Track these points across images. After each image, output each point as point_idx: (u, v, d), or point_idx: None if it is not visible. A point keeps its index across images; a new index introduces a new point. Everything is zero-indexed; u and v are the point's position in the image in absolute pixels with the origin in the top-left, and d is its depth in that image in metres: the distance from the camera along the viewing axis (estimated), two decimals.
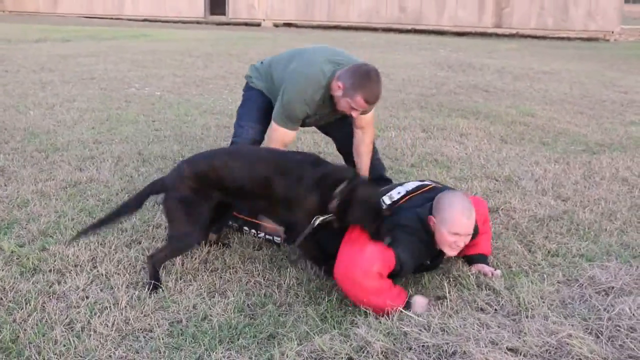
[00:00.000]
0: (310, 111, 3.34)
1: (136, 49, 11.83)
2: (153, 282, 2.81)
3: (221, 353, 2.32)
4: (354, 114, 3.26)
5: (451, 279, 2.99)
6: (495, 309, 2.69)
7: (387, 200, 3.14)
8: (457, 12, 19.73)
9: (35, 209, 3.67)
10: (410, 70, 9.90)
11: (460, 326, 2.48)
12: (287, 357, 2.27)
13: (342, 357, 2.28)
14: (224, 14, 24.75)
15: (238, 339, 2.44)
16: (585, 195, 4.22)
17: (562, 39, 18.04)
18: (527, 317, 2.58)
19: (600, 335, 2.45)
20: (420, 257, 2.89)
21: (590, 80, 9.44)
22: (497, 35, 18.69)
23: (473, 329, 2.46)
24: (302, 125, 3.59)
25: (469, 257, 3.15)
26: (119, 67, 9.34)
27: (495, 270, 3.09)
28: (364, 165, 3.66)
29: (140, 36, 15.61)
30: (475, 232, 3.01)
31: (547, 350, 2.33)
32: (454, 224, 2.81)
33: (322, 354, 2.31)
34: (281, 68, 3.47)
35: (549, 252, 3.35)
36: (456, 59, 11.38)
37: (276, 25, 23.76)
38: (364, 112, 3.37)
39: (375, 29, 20.77)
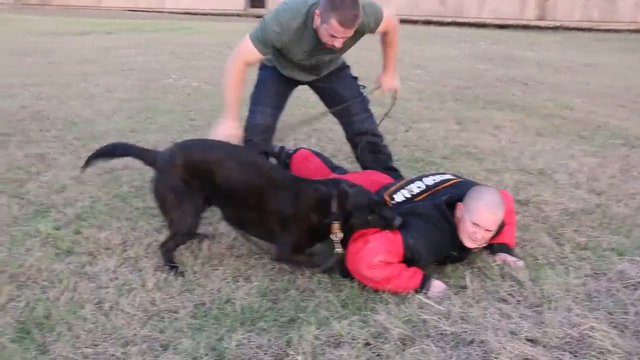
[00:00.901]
0: (285, 38, 3.20)
1: (176, 41, 12.01)
2: (169, 265, 2.90)
3: (242, 334, 2.37)
4: (336, 43, 3.12)
5: (475, 269, 2.99)
6: (518, 300, 2.68)
7: (406, 194, 3.14)
8: (499, 5, 19.41)
9: (72, 194, 3.79)
10: (448, 62, 9.81)
11: (481, 315, 2.49)
12: (305, 340, 2.31)
13: (360, 342, 2.31)
14: (263, 6, 24.89)
15: (259, 322, 2.50)
16: (621, 189, 4.14)
17: (609, 31, 17.53)
18: (549, 309, 2.56)
19: (624, 330, 2.43)
20: (438, 244, 2.90)
21: (635, 73, 9.19)
22: (540, 28, 18.31)
23: (493, 319, 2.46)
24: (302, 68, 3.51)
25: (492, 246, 3.14)
26: (158, 59, 9.51)
27: (517, 260, 3.07)
28: (392, 53, 3.74)
29: (180, 29, 15.82)
30: (500, 227, 3.01)
31: (567, 342, 2.31)
32: (476, 214, 2.82)
33: (340, 338, 2.34)
34: None
35: (578, 245, 3.30)
36: (496, 52, 11.22)
37: None
38: (349, 41, 3.26)
39: (415, 22, 20.61)
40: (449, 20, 20.28)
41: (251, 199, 2.88)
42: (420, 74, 8.56)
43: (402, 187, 3.17)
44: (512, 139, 5.37)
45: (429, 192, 3.12)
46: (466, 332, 2.36)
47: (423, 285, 2.76)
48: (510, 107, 6.56)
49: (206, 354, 2.25)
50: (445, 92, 7.34)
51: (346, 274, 2.85)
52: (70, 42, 11.83)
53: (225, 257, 3.07)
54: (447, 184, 3.18)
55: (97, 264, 2.95)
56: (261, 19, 3.28)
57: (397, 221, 2.80)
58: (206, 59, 9.71)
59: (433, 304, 2.56)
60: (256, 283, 2.82)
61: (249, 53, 3.26)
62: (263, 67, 3.70)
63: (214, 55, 10.17)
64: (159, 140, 4.97)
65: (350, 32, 3.11)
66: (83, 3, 26.23)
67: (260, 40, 3.23)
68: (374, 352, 2.27)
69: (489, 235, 2.91)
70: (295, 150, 4.10)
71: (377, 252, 2.72)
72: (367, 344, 2.32)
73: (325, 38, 3.13)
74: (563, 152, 5.02)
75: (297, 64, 3.45)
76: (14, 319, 2.48)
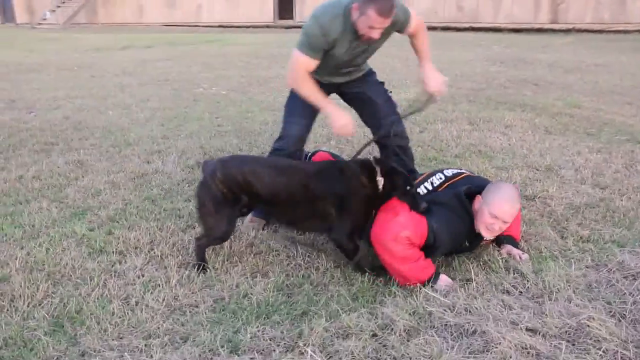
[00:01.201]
0: (330, 39, 3.10)
1: (208, 53, 12.12)
2: (199, 263, 2.89)
3: (256, 327, 2.37)
4: (374, 34, 3.04)
5: (481, 263, 2.93)
6: (521, 292, 2.63)
7: (428, 186, 3.12)
8: (513, 10, 19.15)
9: (106, 198, 3.84)
10: (464, 66, 9.69)
11: (484, 307, 2.44)
12: (315, 332, 2.29)
13: (367, 334, 2.28)
14: (291, 18, 24.98)
15: (273, 315, 2.49)
16: (625, 183, 4.03)
17: (620, 32, 17.13)
18: (550, 299, 2.51)
19: (622, 319, 2.36)
20: (457, 234, 2.86)
21: None
22: (553, 31, 17.99)
23: (495, 310, 2.41)
24: (338, 68, 3.42)
25: (499, 239, 3.09)
26: (191, 70, 9.60)
27: (522, 253, 3.02)
28: (425, 51, 3.49)
29: (214, 41, 15.97)
30: None
31: (566, 332, 2.26)
32: (495, 206, 2.79)
33: (348, 330, 2.32)
34: None
35: (580, 238, 3.22)
36: (509, 55, 11.05)
37: None
38: (382, 36, 3.15)
39: (434, 28, 20.49)
40: (467, 26, 20.07)
41: (298, 195, 2.88)
42: None
43: (424, 180, 3.14)
44: (522, 137, 5.28)
45: (448, 183, 3.10)
46: (469, 322, 2.32)
47: (432, 279, 2.72)
48: (521, 107, 6.45)
49: (222, 346, 2.25)
50: (460, 94, 7.25)
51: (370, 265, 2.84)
52: (112, 57, 12.02)
53: (244, 255, 3.07)
54: (461, 176, 3.15)
55: (126, 262, 2.98)
56: (302, 29, 3.20)
57: (424, 205, 2.79)
58: (236, 68, 9.77)
59: (439, 296, 2.52)
60: (273, 279, 2.82)
61: (306, 62, 3.17)
62: None
63: (243, 64, 10.24)
64: (187, 145, 5.01)
65: (387, 22, 3.05)
66: (125, 20, 26.65)
67: (309, 47, 3.14)
68: (380, 343, 2.24)
69: (506, 226, 2.87)
70: (314, 152, 4.10)
71: (406, 226, 2.68)
72: (374, 335, 2.30)
73: (363, 30, 3.05)
74: (570, 149, 4.91)
75: (333, 64, 3.38)
76: (49, 314, 2.52)
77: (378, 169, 2.88)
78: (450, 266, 2.93)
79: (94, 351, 2.26)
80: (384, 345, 2.23)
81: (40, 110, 6.48)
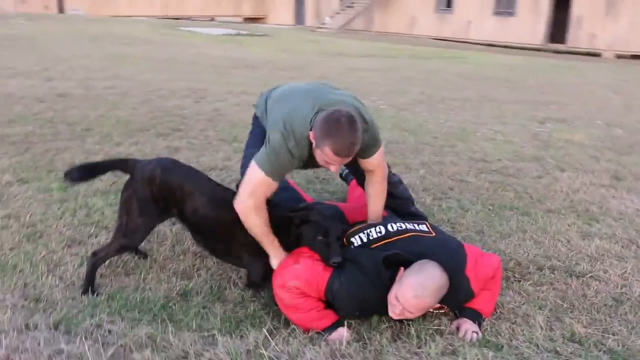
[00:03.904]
0: (298, 162, 2.82)
1: (422, 69, 12.11)
2: (87, 285, 2.72)
3: (103, 320, 2.43)
4: (332, 168, 2.67)
5: (405, 326, 2.54)
6: None
7: (364, 237, 2.80)
8: None
9: (118, 184, 3.83)
10: None
11: None
12: (138, 337, 2.31)
13: (172, 357, 2.23)
14: (563, 42, 23.31)
15: (130, 314, 2.52)
16: None
17: None
18: None
19: None
20: (366, 302, 2.55)
21: None
22: None
23: None
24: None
25: (460, 309, 2.64)
26: (386, 82, 9.73)
27: (475, 332, 2.53)
28: (376, 207, 3.07)
29: (454, 58, 15.80)
30: (469, 296, 2.60)
31: None
32: (401, 289, 2.43)
33: (168, 348, 2.28)
34: (273, 106, 2.99)
35: (572, 336, 2.55)
36: None
37: (620, 57, 21.40)
38: (350, 162, 2.76)
39: None
40: None
41: (221, 232, 2.83)
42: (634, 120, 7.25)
43: (361, 230, 2.83)
44: None
45: (387, 240, 2.73)
46: None
47: (328, 330, 2.50)
48: None
49: (57, 328, 2.37)
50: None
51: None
52: (332, 62, 12.75)
53: (192, 253, 3.14)
54: (405, 235, 2.75)
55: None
56: (264, 145, 2.79)
57: (334, 260, 2.54)
58: (429, 86, 9.62)
59: (274, 343, 2.29)
60: (189, 282, 2.84)
61: (269, 188, 2.76)
62: (256, 118, 3.35)
63: (441, 83, 10.08)
64: None
65: (347, 160, 2.69)
66: (398, 30, 27.78)
67: (276, 171, 2.75)
68: None
69: (411, 315, 2.48)
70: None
71: (297, 277, 2.52)
72: None
73: (320, 162, 2.72)
74: None
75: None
76: None
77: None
78: (363, 324, 2.59)
79: None
80: None
81: (207, 101, 7.29)
